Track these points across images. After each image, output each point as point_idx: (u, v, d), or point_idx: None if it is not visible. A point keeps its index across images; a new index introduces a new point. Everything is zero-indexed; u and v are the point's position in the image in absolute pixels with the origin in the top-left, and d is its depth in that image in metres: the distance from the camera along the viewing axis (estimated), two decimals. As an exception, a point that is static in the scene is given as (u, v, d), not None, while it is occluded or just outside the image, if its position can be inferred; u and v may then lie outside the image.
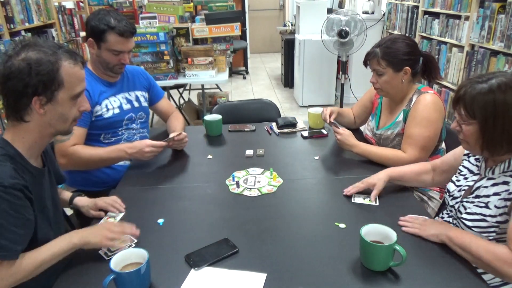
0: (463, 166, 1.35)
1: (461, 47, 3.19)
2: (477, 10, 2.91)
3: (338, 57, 4.50)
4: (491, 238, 1.15)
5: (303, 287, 1.02)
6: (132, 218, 1.34)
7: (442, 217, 1.38)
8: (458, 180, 1.33)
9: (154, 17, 3.37)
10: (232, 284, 1.04)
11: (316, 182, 1.57)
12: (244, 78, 6.72)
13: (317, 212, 1.38)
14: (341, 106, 4.41)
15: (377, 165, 1.65)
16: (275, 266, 1.10)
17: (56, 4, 3.45)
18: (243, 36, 6.70)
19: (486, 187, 1.19)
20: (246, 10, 7.58)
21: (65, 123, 1.15)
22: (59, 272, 1.10)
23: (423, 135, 1.61)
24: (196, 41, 3.30)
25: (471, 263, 1.10)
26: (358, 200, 1.40)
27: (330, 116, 1.85)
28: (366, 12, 4.73)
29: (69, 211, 1.57)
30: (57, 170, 1.36)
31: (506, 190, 1.13)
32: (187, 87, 5.05)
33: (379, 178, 1.42)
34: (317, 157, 1.76)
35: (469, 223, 1.19)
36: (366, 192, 1.42)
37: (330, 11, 5.04)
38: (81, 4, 4.12)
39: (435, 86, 3.53)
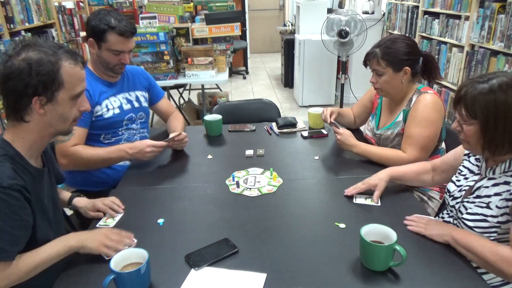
0: (463, 166, 1.35)
1: (461, 47, 3.19)
2: (477, 10, 2.91)
3: (338, 57, 4.51)
4: (492, 238, 1.15)
5: (303, 287, 1.02)
6: (132, 218, 1.34)
7: (442, 217, 1.38)
8: (459, 180, 1.33)
9: (154, 17, 3.38)
10: (232, 284, 1.04)
11: (316, 182, 1.57)
12: (244, 78, 6.72)
13: (317, 212, 1.38)
14: (341, 106, 4.41)
15: (377, 165, 1.65)
16: (275, 266, 1.10)
17: (56, 4, 3.45)
18: (243, 36, 6.70)
19: (487, 187, 1.19)
20: (246, 10, 7.57)
21: (65, 123, 1.14)
22: (59, 271, 1.10)
23: (423, 135, 1.61)
24: (196, 41, 3.30)
25: (476, 263, 1.11)
26: (360, 200, 1.40)
27: (330, 116, 1.85)
28: (366, 12, 4.73)
29: (69, 211, 1.57)
30: (57, 170, 1.36)
31: (508, 190, 1.13)
32: (187, 87, 5.05)
33: (380, 178, 1.42)
34: (317, 157, 1.76)
35: (470, 224, 1.19)
36: (367, 193, 1.42)
37: (330, 11, 5.04)
38: (81, 4, 4.12)
39: (435, 86, 3.53)
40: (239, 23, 3.41)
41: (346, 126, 2.01)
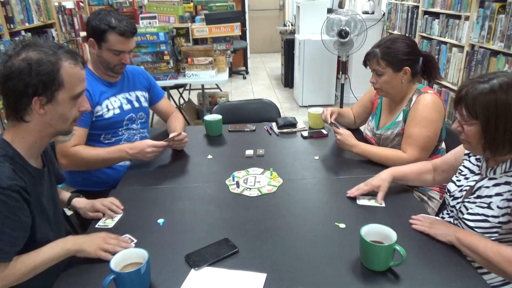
0: (464, 166, 1.34)
1: (461, 47, 3.19)
2: (477, 10, 2.91)
3: (338, 57, 4.51)
4: (493, 238, 1.15)
5: (303, 287, 1.02)
6: (132, 218, 1.34)
7: (443, 217, 1.38)
8: (459, 180, 1.33)
9: (154, 17, 3.38)
10: (232, 284, 1.04)
11: (316, 182, 1.57)
12: (244, 78, 6.72)
13: (317, 212, 1.38)
14: (341, 106, 4.41)
15: (377, 165, 1.65)
16: (275, 266, 1.10)
17: (56, 4, 3.45)
18: (243, 36, 6.70)
19: (487, 187, 1.19)
20: (246, 10, 7.57)
21: (65, 123, 1.14)
22: (59, 272, 1.10)
23: (423, 135, 1.61)
24: (196, 41, 3.30)
25: (479, 264, 1.11)
26: (363, 202, 1.39)
27: (331, 116, 1.85)
28: (366, 12, 4.73)
29: (69, 211, 1.57)
30: (57, 170, 1.36)
31: (509, 191, 1.12)
32: (187, 87, 5.06)
33: (382, 179, 1.41)
34: (317, 157, 1.76)
35: (471, 224, 1.19)
36: (369, 194, 1.41)
37: (330, 11, 5.04)
38: (81, 4, 4.12)
39: (435, 86, 3.53)
40: (239, 23, 3.41)
41: (346, 126, 2.01)
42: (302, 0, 4.81)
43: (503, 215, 1.13)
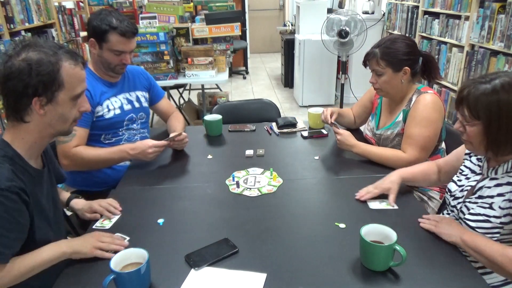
0: (465, 166, 1.34)
1: (461, 47, 3.19)
2: (477, 10, 2.91)
3: (338, 57, 4.51)
4: (494, 239, 1.15)
5: (303, 287, 1.02)
6: (132, 218, 1.34)
7: (443, 217, 1.38)
8: (460, 180, 1.33)
9: (154, 17, 3.38)
10: (232, 284, 1.04)
11: (316, 182, 1.57)
12: (244, 78, 6.72)
13: (317, 212, 1.38)
14: (341, 106, 4.41)
15: (377, 165, 1.65)
16: (275, 266, 1.10)
17: (56, 4, 3.45)
18: (243, 36, 6.70)
19: (489, 187, 1.19)
20: (246, 10, 7.57)
21: (65, 123, 1.14)
22: (59, 272, 1.10)
23: (423, 135, 1.61)
24: (196, 41, 3.30)
25: (483, 265, 1.11)
26: (375, 205, 1.37)
27: (331, 116, 1.85)
28: (366, 12, 4.73)
29: (69, 212, 1.57)
30: (57, 170, 1.36)
31: (511, 191, 1.12)
32: (187, 87, 5.06)
33: (392, 181, 1.40)
34: (317, 157, 1.76)
35: (473, 224, 1.19)
36: (378, 196, 1.40)
37: (330, 11, 5.04)
38: (81, 4, 4.12)
39: (435, 86, 3.53)
40: (239, 23, 3.41)
41: (346, 126, 2.01)
42: (302, 0, 4.82)
43: (504, 215, 1.13)
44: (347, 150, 1.73)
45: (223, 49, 3.38)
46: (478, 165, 1.29)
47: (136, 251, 1.06)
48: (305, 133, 2.01)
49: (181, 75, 3.26)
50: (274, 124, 2.12)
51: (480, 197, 1.20)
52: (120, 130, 1.82)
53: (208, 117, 2.07)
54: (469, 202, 1.23)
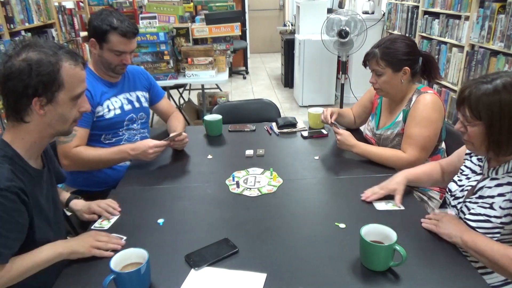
0: (465, 166, 1.34)
1: (461, 47, 3.19)
2: (477, 10, 2.91)
3: (338, 57, 4.51)
4: (495, 239, 1.14)
5: (303, 287, 1.02)
6: (132, 218, 1.34)
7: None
8: (460, 180, 1.33)
9: (154, 17, 3.38)
10: (232, 284, 1.04)
11: (316, 182, 1.57)
12: (244, 78, 6.72)
13: (317, 212, 1.38)
14: (341, 106, 4.42)
15: (377, 165, 1.65)
16: (275, 266, 1.10)
17: (56, 4, 3.45)
18: (243, 36, 6.70)
19: (489, 187, 1.19)
20: (246, 10, 7.58)
21: (65, 124, 1.14)
22: (59, 272, 1.10)
23: (423, 135, 1.61)
24: (196, 41, 3.30)
25: (484, 265, 1.11)
26: (381, 206, 1.36)
27: (331, 117, 1.85)
28: (366, 12, 4.73)
29: (69, 212, 1.57)
30: (57, 170, 1.36)
31: (511, 191, 1.12)
32: (187, 87, 5.06)
33: (397, 182, 1.40)
34: (317, 157, 1.76)
35: (473, 224, 1.19)
36: (383, 197, 1.39)
37: (330, 11, 5.04)
38: (81, 4, 4.12)
39: (435, 86, 3.53)
40: (239, 23, 3.41)
41: (346, 126, 2.01)
42: (302, 0, 4.82)
43: (505, 215, 1.13)
44: (347, 150, 1.73)
45: (223, 49, 3.38)
46: (479, 165, 1.29)
47: (136, 251, 1.06)
48: (305, 133, 2.01)
49: (181, 75, 3.26)
50: (274, 124, 2.12)
51: (480, 197, 1.20)
52: (120, 130, 1.82)
53: (208, 117, 2.07)
54: (470, 202, 1.23)
